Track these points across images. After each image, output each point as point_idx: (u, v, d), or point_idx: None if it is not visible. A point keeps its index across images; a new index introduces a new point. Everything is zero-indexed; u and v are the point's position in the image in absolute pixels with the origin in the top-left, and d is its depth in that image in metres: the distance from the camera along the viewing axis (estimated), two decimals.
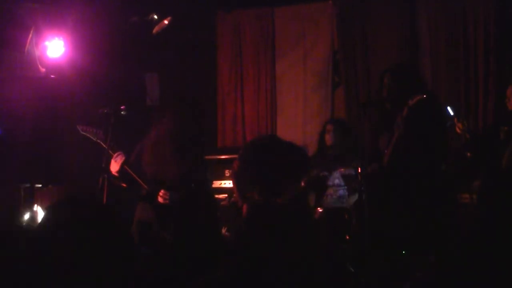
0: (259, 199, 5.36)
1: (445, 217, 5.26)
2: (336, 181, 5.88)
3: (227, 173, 7.04)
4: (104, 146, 5.05)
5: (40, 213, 5.96)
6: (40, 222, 2.34)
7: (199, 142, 5.34)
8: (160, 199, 5.05)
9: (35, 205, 5.97)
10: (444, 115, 5.62)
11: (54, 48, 6.22)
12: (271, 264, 2.69)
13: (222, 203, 6.64)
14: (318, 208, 5.87)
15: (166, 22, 6.73)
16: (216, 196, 6.47)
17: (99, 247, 2.22)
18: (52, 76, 6.28)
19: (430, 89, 7.10)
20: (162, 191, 5.05)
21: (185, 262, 4.94)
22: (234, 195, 5.99)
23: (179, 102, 5.30)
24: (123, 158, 5.02)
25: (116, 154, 5.02)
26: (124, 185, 5.19)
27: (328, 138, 6.38)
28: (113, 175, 5.08)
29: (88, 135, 5.13)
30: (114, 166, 5.02)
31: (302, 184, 5.35)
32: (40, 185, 6.16)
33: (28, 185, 6.06)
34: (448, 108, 5.77)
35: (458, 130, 5.61)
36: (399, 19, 7.59)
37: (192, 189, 5.16)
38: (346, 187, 5.89)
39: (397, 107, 5.34)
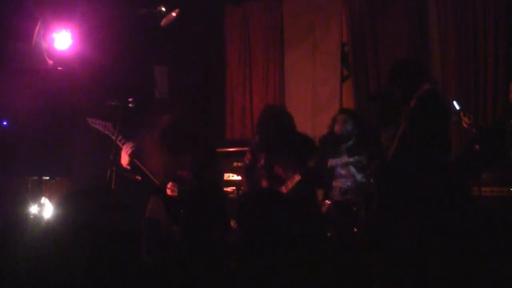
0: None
1: (455, 211, 5.22)
2: (343, 172, 5.83)
3: (235, 165, 7.03)
4: (113, 138, 5.05)
5: (47, 205, 5.96)
6: (54, 212, 2.33)
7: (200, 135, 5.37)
8: (168, 192, 5.05)
9: (43, 198, 5.98)
10: (448, 106, 5.58)
11: (62, 40, 6.22)
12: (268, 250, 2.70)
13: (230, 195, 6.63)
14: (326, 201, 5.84)
15: (174, 14, 6.73)
16: (224, 189, 6.46)
17: (111, 239, 2.21)
18: (59, 68, 6.28)
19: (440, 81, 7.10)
20: (170, 183, 5.05)
21: (193, 256, 4.93)
22: (243, 187, 6.03)
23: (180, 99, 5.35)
24: (132, 150, 5.00)
25: (125, 147, 5.01)
26: (139, 177, 5.18)
27: (338, 128, 6.24)
28: (125, 169, 5.07)
29: (97, 127, 5.16)
30: (125, 159, 5.01)
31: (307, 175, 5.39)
32: (47, 178, 6.17)
33: (35, 177, 6.07)
34: (454, 102, 5.73)
35: (464, 125, 5.59)
36: (408, 11, 7.56)
37: (202, 181, 5.16)
38: (352, 178, 5.81)
39: (405, 100, 5.30)
